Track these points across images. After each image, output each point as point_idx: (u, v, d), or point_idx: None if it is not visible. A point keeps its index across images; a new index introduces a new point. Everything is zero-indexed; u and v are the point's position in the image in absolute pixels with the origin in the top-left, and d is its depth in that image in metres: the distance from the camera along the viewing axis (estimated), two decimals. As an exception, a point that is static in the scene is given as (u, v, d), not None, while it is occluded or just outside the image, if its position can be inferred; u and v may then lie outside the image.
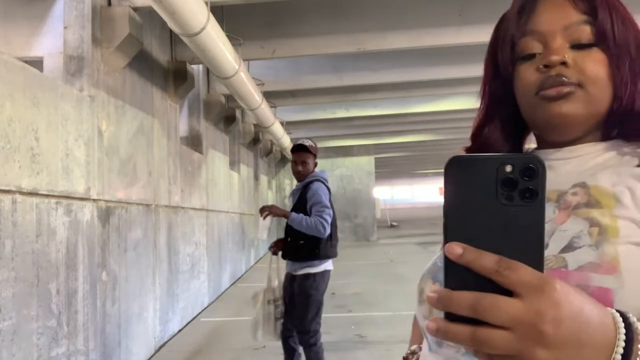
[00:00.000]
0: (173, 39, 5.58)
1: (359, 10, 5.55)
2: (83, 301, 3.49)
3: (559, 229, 0.69)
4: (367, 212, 16.69)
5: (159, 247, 5.14)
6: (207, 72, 7.16)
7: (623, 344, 0.46)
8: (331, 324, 5.77)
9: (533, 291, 0.45)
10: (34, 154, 2.90)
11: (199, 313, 6.59)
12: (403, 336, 5.41)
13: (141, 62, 4.70)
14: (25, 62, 2.94)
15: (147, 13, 4.36)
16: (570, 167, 0.78)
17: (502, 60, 0.83)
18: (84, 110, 3.57)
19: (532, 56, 0.77)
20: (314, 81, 7.47)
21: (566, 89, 0.73)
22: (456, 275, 0.47)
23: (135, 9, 4.12)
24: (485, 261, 0.46)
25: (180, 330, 5.75)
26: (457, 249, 0.47)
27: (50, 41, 3.71)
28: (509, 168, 0.47)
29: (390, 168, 31.55)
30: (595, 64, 0.74)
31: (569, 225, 0.68)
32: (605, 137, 0.78)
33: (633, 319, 0.48)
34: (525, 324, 0.44)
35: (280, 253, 3.65)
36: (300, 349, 3.61)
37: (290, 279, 3.58)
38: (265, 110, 7.22)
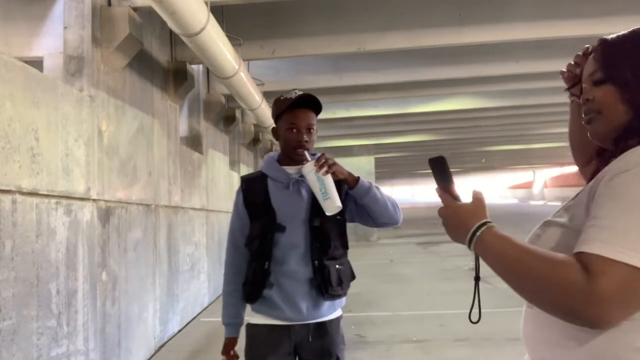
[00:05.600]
0: (173, 39, 5.58)
1: (359, 10, 5.55)
2: (83, 301, 3.48)
3: None
4: (367, 212, 16.65)
5: (159, 247, 5.14)
6: (207, 72, 7.16)
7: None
8: (331, 324, 5.75)
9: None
10: (34, 154, 2.90)
11: (199, 313, 6.59)
12: (403, 336, 5.46)
13: (141, 62, 4.70)
14: (25, 62, 2.93)
15: (147, 13, 4.35)
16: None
17: None
18: (84, 110, 3.57)
19: None
20: (314, 81, 7.46)
21: None
22: None
23: (135, 9, 4.12)
24: None
25: (180, 330, 5.75)
26: None
27: (50, 41, 3.70)
28: None
29: (390, 168, 31.52)
30: None
31: None
32: None
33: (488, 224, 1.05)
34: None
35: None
36: None
37: (301, 332, 2.09)
38: (265, 110, 7.21)
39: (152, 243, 4.96)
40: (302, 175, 2.08)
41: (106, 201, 3.89)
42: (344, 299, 2.17)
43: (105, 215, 3.89)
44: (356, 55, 6.88)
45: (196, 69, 6.42)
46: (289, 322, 2.08)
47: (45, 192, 3.02)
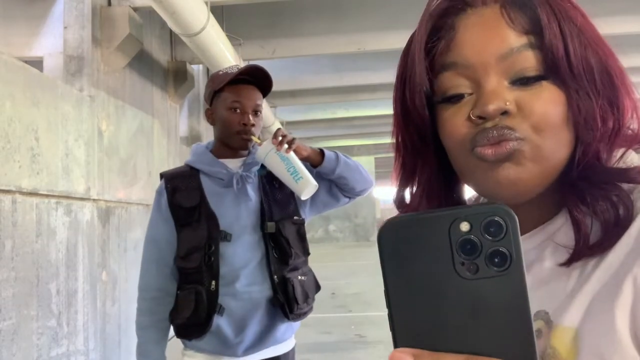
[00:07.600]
0: (173, 39, 5.58)
1: (359, 10, 5.55)
2: (83, 301, 3.49)
3: None
4: (367, 212, 16.69)
5: (159, 247, 5.14)
6: (207, 72, 7.17)
7: None
8: (331, 324, 5.77)
9: None
10: (34, 154, 2.90)
11: (199, 313, 6.59)
12: (403, 336, 5.44)
13: (141, 62, 4.71)
14: (25, 62, 2.94)
15: (147, 13, 4.36)
16: (532, 272, 0.55)
17: (411, 103, 0.60)
18: (84, 110, 3.58)
19: (458, 97, 0.56)
20: (314, 81, 7.47)
21: (507, 146, 0.52)
22: None
23: (135, 9, 4.12)
24: None
25: (180, 330, 5.75)
26: (405, 358, 0.34)
27: (50, 41, 3.71)
28: (465, 226, 0.34)
29: (390, 168, 31.56)
30: (548, 105, 0.52)
31: None
32: (560, 196, 0.56)
33: None
34: None
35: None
36: None
37: None
38: (265, 110, 7.23)
39: (152, 243, 4.96)
40: (246, 170, 1.68)
41: (106, 201, 3.90)
42: (298, 323, 1.75)
43: (105, 215, 3.89)
44: (356, 55, 6.88)
45: (196, 69, 6.43)
46: (237, 358, 1.67)
47: (45, 192, 3.03)
